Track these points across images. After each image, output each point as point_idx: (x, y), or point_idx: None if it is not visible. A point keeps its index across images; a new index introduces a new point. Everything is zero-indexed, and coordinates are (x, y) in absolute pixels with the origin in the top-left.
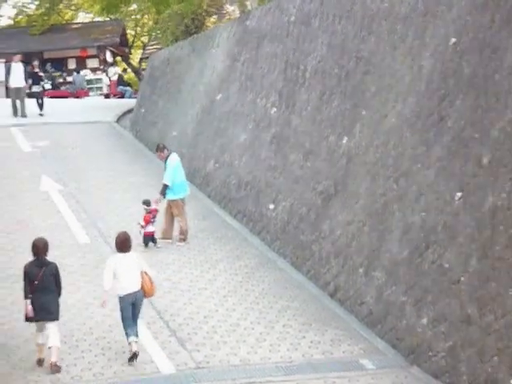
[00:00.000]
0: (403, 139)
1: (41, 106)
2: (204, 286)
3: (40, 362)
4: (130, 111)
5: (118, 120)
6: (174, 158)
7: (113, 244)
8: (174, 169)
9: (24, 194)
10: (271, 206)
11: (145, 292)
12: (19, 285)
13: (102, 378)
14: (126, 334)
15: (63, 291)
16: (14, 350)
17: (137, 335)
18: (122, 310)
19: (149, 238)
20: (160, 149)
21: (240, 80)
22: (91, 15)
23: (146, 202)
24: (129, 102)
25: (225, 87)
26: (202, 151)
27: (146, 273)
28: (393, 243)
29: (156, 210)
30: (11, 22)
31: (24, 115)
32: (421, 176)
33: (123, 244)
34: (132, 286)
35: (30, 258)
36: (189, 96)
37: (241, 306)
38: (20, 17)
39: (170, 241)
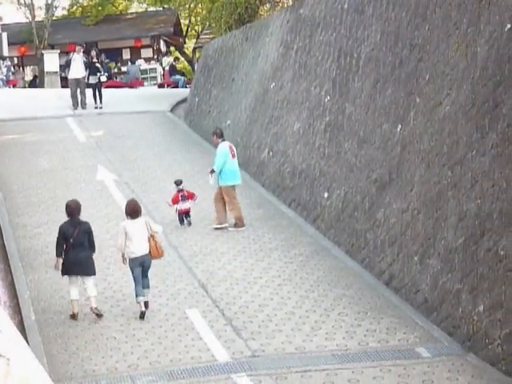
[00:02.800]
0: (458, 126)
1: (99, 98)
2: (259, 275)
3: (74, 316)
4: (183, 101)
5: (172, 110)
6: (222, 146)
7: (167, 232)
8: (223, 156)
9: (80, 184)
10: (325, 195)
11: (151, 255)
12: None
13: (158, 366)
14: (136, 293)
15: (117, 281)
16: (71, 339)
17: (148, 287)
18: (132, 271)
19: (182, 215)
20: (216, 134)
21: (293, 68)
22: (145, 5)
23: (177, 182)
24: (182, 92)
25: (278, 76)
26: (255, 140)
27: (153, 237)
28: (448, 231)
29: (192, 193)
30: (66, 13)
31: (84, 107)
32: (476, 163)
33: (132, 210)
34: (140, 249)
35: None
36: (242, 85)
37: (296, 294)
38: (74, 8)
39: (226, 225)
